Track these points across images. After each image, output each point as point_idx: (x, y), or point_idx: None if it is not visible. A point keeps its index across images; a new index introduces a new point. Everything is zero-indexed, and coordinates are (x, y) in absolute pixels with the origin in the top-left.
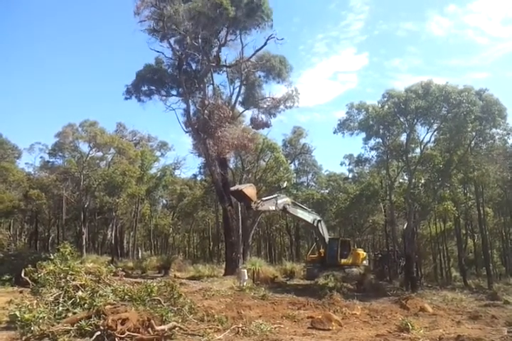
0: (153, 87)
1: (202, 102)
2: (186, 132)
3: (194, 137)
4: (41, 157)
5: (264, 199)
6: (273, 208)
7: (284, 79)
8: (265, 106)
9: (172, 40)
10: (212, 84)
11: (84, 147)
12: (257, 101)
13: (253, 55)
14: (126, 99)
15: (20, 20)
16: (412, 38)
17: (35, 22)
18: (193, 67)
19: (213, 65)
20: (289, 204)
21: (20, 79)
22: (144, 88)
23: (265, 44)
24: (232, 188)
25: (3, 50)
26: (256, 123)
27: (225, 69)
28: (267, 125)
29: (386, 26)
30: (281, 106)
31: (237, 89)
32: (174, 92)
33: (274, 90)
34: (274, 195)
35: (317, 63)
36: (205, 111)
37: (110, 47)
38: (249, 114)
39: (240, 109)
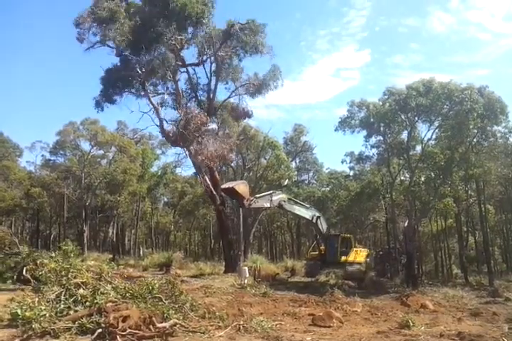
0: (121, 85)
1: (180, 113)
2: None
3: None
4: (42, 155)
5: (257, 196)
6: (267, 205)
7: (261, 50)
8: (245, 91)
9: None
10: (189, 78)
11: (85, 145)
12: (236, 87)
13: (219, 48)
14: (97, 111)
15: (21, 20)
16: (413, 34)
17: (35, 21)
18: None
19: (179, 63)
20: (284, 201)
21: (21, 77)
22: (113, 90)
23: (230, 35)
24: (223, 186)
25: (4, 48)
26: (236, 114)
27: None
28: (247, 115)
29: (387, 22)
30: (264, 90)
31: (214, 78)
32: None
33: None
34: (268, 192)
35: (319, 60)
36: (181, 121)
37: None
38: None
39: (221, 97)
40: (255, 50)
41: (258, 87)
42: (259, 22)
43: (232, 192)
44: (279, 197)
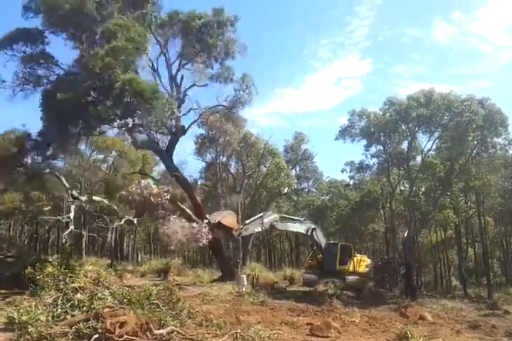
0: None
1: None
2: None
3: None
4: None
5: (247, 222)
6: (259, 229)
7: (233, 53)
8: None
9: None
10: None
11: (85, 150)
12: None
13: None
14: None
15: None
16: (416, 44)
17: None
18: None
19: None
20: (276, 221)
21: None
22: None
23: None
24: (211, 221)
25: None
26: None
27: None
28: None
29: (390, 32)
30: (235, 108)
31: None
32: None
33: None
34: (258, 215)
35: (321, 68)
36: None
37: None
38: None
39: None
40: (225, 55)
41: (229, 107)
42: (229, 13)
43: (219, 226)
44: (269, 218)
